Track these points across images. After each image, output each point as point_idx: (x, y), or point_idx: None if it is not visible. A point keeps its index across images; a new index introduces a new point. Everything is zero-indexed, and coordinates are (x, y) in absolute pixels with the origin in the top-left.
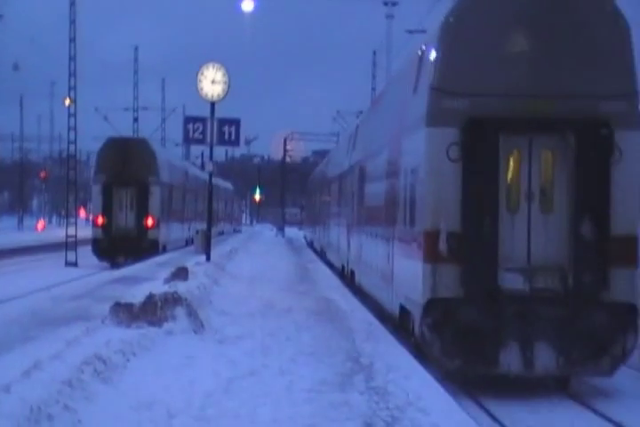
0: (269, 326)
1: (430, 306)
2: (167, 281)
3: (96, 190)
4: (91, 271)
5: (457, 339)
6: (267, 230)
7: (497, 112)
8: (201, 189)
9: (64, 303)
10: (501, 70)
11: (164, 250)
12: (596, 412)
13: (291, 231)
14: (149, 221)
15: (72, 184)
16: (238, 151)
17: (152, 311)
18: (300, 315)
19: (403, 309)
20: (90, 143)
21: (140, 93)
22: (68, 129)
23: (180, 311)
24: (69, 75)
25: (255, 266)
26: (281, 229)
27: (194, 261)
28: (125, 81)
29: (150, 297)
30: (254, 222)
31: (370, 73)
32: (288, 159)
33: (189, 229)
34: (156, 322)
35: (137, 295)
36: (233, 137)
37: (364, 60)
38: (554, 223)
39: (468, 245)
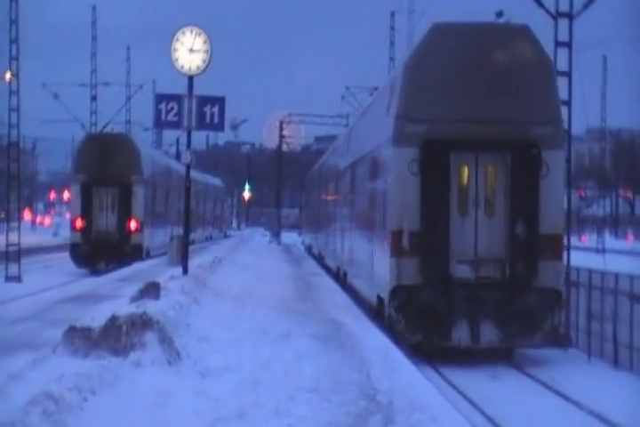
0: (262, 355)
1: (396, 292)
2: (134, 300)
3: (74, 191)
4: (38, 288)
5: (417, 318)
6: (258, 235)
7: (448, 135)
8: (197, 190)
9: (4, 328)
10: (452, 101)
11: (149, 256)
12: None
13: (289, 237)
14: (132, 225)
15: (14, 179)
16: (223, 138)
17: (115, 337)
18: (301, 341)
19: (379, 297)
20: (36, 128)
21: (100, 66)
22: (9, 110)
23: (150, 337)
24: (10, 41)
25: (244, 280)
26: (276, 235)
27: (168, 275)
28: (81, 50)
29: (113, 320)
30: (242, 226)
31: (387, 39)
32: (285, 148)
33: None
34: (121, 351)
35: (97, 318)
36: (216, 120)
37: (379, 24)
38: (495, 225)
39: (426, 242)
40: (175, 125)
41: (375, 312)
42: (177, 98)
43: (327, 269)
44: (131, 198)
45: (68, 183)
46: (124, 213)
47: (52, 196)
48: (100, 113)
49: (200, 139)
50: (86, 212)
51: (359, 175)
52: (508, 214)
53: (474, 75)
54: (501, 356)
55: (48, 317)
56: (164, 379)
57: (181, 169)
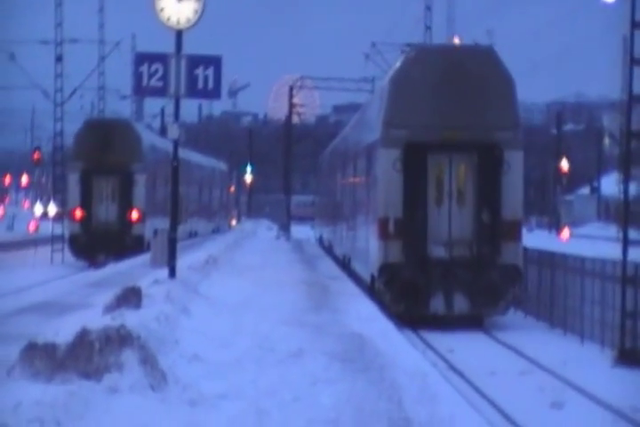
0: (267, 379)
1: (383, 269)
2: (109, 309)
3: (73, 180)
4: None
5: (401, 290)
6: (263, 229)
7: (426, 138)
8: (196, 175)
9: None
10: (429, 110)
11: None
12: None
13: (301, 231)
14: (134, 215)
15: None
16: (219, 107)
17: (86, 357)
18: (316, 362)
19: (372, 276)
20: None
21: (66, 18)
22: None
23: (129, 356)
24: None
25: (246, 285)
26: (285, 228)
27: (151, 279)
28: None
29: (83, 335)
30: (242, 217)
31: None
32: (296, 119)
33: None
34: (93, 373)
35: (62, 332)
36: (210, 85)
37: None
38: (465, 213)
39: (408, 227)
40: (160, 92)
41: (369, 289)
42: (162, 58)
43: (350, 272)
44: (132, 187)
45: (28, 167)
46: (125, 203)
47: (7, 180)
48: (66, 77)
49: (191, 109)
50: (85, 201)
51: (359, 167)
52: (475, 204)
53: (446, 88)
54: (473, 322)
55: (0, 331)
56: (145, 408)
57: (191, 156)
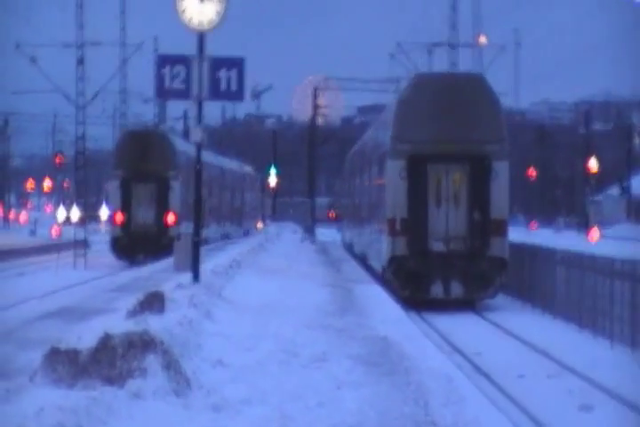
0: (291, 383)
1: (391, 260)
2: (132, 314)
3: (114, 186)
4: (8, 301)
5: (406, 279)
6: (288, 232)
7: (426, 151)
8: (228, 180)
9: None
10: (429, 127)
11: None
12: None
13: (326, 234)
14: (170, 218)
15: None
16: (242, 110)
17: (109, 362)
18: (340, 365)
19: (382, 267)
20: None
21: (88, 21)
22: None
23: (152, 362)
24: None
25: (269, 289)
26: (309, 231)
27: (174, 283)
28: (64, 1)
29: (106, 340)
30: (267, 220)
31: None
32: (320, 121)
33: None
34: (116, 379)
35: (85, 337)
36: (233, 87)
37: None
38: (460, 213)
39: (412, 225)
40: (182, 95)
41: (380, 278)
42: (184, 60)
43: (367, 266)
44: (168, 193)
45: (47, 172)
46: (162, 207)
47: (30, 185)
48: (88, 80)
49: (214, 111)
50: (125, 206)
51: (373, 173)
52: (468, 206)
53: (444, 109)
54: (466, 305)
55: (24, 337)
56: (169, 414)
57: (223, 162)
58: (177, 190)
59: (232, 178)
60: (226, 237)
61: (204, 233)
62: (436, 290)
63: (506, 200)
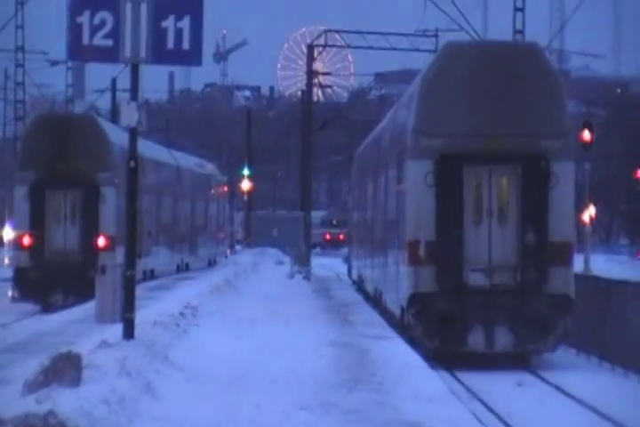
0: None
1: (413, 298)
2: (32, 388)
3: (20, 194)
4: None
5: (434, 324)
6: (269, 263)
7: (462, 148)
8: (186, 187)
9: None
10: (465, 117)
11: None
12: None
13: (330, 264)
14: (101, 241)
15: None
16: (200, 78)
17: None
18: None
19: (401, 308)
20: None
21: None
22: None
23: None
24: None
25: (242, 350)
26: (302, 261)
27: (96, 340)
28: None
29: None
30: (236, 245)
31: None
32: (319, 95)
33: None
34: None
35: None
36: (187, 44)
37: None
38: (507, 233)
39: (441, 251)
40: (108, 55)
41: (398, 323)
42: (111, 2)
43: (383, 310)
44: (98, 204)
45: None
46: (89, 226)
47: None
48: None
49: (158, 80)
50: (37, 224)
51: (390, 176)
52: (519, 223)
53: (485, 91)
54: (518, 360)
55: None
56: None
57: (176, 159)
58: (111, 200)
59: (191, 183)
60: (184, 268)
61: (147, 263)
62: (476, 340)
63: (570, 215)
